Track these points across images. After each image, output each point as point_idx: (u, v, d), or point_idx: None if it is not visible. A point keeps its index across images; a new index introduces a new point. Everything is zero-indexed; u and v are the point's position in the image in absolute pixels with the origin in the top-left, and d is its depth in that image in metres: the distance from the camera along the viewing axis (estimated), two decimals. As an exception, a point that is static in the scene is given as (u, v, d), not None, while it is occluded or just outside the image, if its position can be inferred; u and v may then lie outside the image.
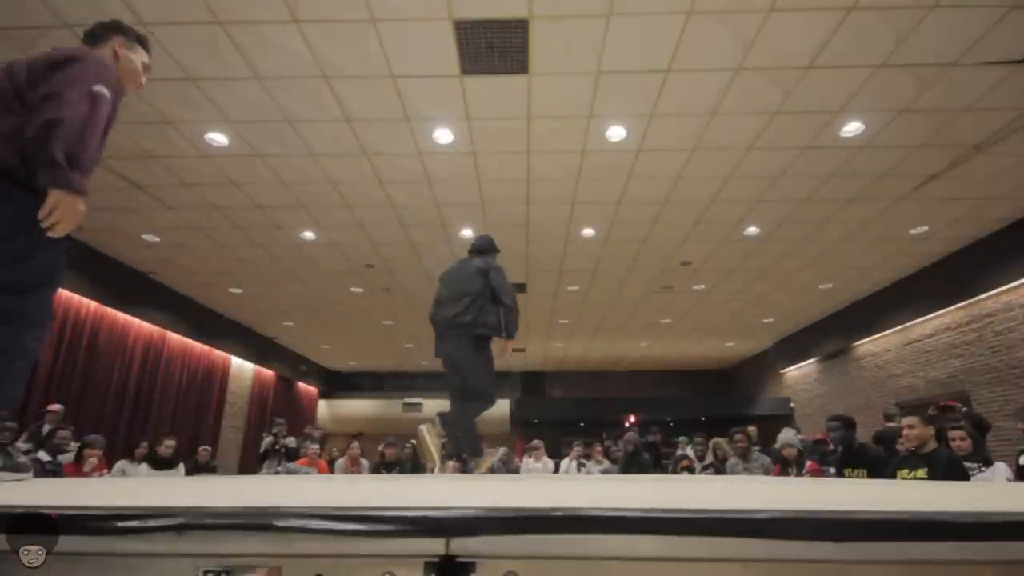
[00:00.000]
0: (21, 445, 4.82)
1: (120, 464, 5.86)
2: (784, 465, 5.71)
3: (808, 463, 5.46)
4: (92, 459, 5.20)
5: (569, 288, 9.12)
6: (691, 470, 6.26)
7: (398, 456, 6.65)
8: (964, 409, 5.34)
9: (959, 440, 3.87)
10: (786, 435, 5.84)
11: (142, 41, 2.07)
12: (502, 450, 6.79)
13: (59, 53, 1.74)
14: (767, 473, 5.64)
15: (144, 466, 5.69)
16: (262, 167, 5.56)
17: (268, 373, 12.81)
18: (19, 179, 1.60)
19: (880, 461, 4.12)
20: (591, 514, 0.71)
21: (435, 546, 0.70)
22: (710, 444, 6.50)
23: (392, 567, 0.69)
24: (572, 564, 0.70)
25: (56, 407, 5.95)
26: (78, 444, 5.28)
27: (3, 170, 1.60)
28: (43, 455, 4.85)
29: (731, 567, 0.68)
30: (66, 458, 5.15)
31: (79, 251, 7.29)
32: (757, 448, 6.54)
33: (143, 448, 6.27)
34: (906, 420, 3.78)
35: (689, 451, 6.94)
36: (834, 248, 7.49)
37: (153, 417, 8.74)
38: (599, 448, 7.87)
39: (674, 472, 6.42)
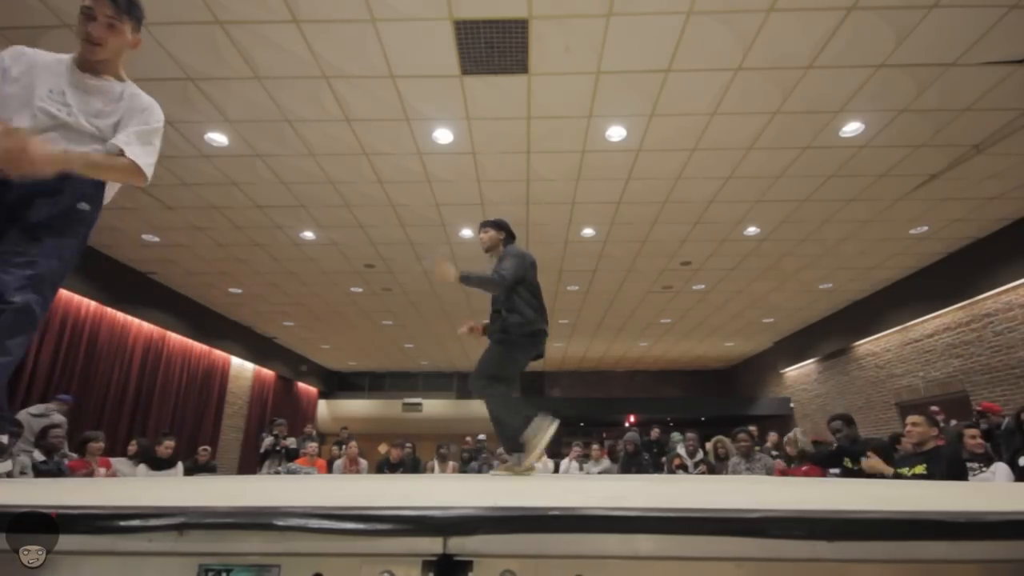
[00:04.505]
0: (21, 445, 4.82)
1: (116, 462, 5.85)
2: (787, 462, 5.72)
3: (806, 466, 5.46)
4: (96, 451, 5.29)
5: (569, 288, 9.12)
6: (684, 468, 6.27)
7: (402, 457, 6.69)
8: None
9: (970, 439, 3.93)
10: (794, 433, 5.89)
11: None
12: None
13: None
14: (770, 473, 5.64)
15: (143, 466, 5.69)
16: (262, 167, 5.56)
17: (268, 373, 12.81)
18: None
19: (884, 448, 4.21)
20: (588, 513, 0.71)
21: (433, 545, 0.70)
22: (712, 441, 6.49)
23: (390, 566, 0.70)
24: (569, 563, 0.70)
25: (64, 398, 5.88)
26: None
27: None
28: (37, 455, 4.85)
29: (727, 566, 0.68)
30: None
31: (79, 251, 7.29)
32: (758, 448, 6.53)
33: (134, 446, 6.25)
34: (911, 418, 3.90)
35: (681, 449, 6.94)
36: (834, 248, 7.49)
37: (153, 417, 8.75)
38: (595, 448, 7.84)
39: (668, 471, 6.44)
